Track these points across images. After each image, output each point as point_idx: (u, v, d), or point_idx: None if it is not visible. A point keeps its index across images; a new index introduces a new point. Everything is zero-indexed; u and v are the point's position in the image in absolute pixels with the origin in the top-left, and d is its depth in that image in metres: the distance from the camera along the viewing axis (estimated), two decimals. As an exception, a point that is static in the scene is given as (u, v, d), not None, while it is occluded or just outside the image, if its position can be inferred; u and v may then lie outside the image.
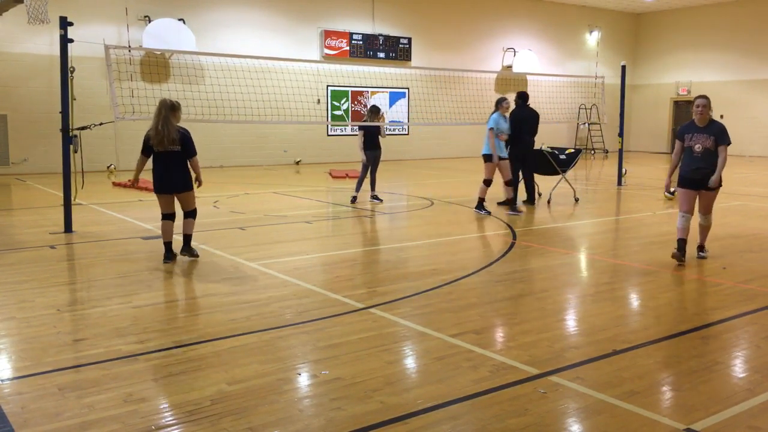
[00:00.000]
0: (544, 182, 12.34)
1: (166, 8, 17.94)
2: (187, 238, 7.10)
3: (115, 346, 4.51)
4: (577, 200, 11.94)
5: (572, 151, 12.19)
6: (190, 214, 7.14)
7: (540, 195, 12.32)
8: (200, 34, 18.23)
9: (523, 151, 11.31)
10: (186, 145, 6.87)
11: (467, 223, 9.92)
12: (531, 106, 11.71)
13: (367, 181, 11.89)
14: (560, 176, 12.01)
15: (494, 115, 10.53)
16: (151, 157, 6.97)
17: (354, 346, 4.53)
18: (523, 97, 11.74)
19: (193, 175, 7.07)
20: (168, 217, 7.03)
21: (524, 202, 11.61)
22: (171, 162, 6.86)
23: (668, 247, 8.06)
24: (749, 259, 7.39)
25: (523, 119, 11.34)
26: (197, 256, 7.09)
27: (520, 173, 11.62)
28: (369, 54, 21.22)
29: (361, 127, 11.80)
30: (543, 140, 16.12)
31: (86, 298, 5.92)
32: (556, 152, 11.95)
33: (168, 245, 7.01)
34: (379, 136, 11.72)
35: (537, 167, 11.85)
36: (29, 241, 8.25)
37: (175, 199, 7.05)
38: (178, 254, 7.08)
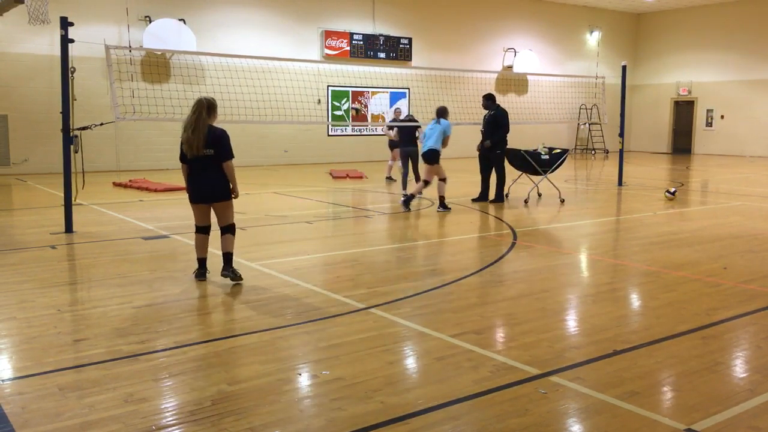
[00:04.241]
0: (528, 183, 12.35)
1: (167, 8, 17.95)
2: (227, 256, 6.21)
3: (116, 346, 4.51)
4: (562, 201, 11.93)
5: (558, 150, 12.14)
6: (228, 229, 6.30)
7: (540, 195, 12.36)
8: (201, 35, 18.24)
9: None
10: (219, 148, 6.05)
11: (467, 223, 9.92)
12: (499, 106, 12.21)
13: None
14: (541, 177, 12.04)
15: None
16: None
17: (354, 346, 4.53)
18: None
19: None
20: (202, 230, 6.33)
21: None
22: (205, 167, 6.08)
23: (669, 247, 8.07)
24: (750, 259, 7.39)
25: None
26: (241, 279, 6.19)
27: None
28: (369, 54, 21.23)
29: (396, 126, 12.87)
30: (543, 140, 16.14)
31: (87, 298, 5.93)
32: (539, 152, 11.93)
33: (202, 261, 6.33)
34: (417, 134, 12.40)
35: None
36: (30, 241, 8.25)
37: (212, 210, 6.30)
38: (209, 271, 6.38)
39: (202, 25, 18.49)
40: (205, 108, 6.03)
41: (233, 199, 6.35)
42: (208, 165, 6.08)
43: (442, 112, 10.89)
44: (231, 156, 6.16)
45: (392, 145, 14.87)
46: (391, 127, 14.81)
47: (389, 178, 15.26)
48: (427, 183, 10.89)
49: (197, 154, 6.01)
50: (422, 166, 11.15)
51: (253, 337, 4.73)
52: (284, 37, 19.95)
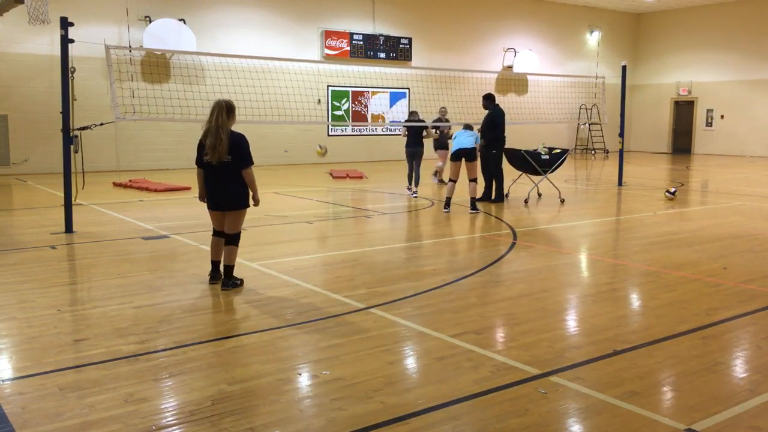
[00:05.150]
0: (528, 183, 12.35)
1: (167, 8, 17.95)
2: (228, 270, 6.03)
3: (116, 346, 4.51)
4: (562, 201, 11.94)
5: (558, 150, 12.14)
6: (233, 239, 6.08)
7: (540, 195, 12.37)
8: (201, 35, 18.24)
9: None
10: (237, 154, 5.87)
11: (467, 223, 9.92)
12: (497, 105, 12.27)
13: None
14: (541, 177, 12.04)
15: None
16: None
17: (354, 346, 4.53)
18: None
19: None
20: (219, 234, 6.16)
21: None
22: (222, 174, 5.91)
23: (669, 247, 8.07)
24: (750, 259, 7.39)
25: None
26: (241, 284, 6.11)
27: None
28: (369, 54, 21.23)
29: (405, 126, 13.22)
30: (543, 140, 16.14)
31: (87, 298, 5.93)
32: (539, 152, 11.93)
33: (215, 264, 6.19)
34: (424, 134, 12.93)
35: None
36: (30, 241, 8.25)
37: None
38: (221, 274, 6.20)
39: (202, 25, 18.49)
40: (225, 110, 5.83)
41: (256, 207, 6.28)
42: (225, 171, 5.88)
43: (471, 127, 11.01)
44: (250, 162, 5.97)
45: (437, 145, 14.53)
46: (435, 128, 14.18)
47: (441, 181, 14.73)
48: (475, 180, 10.78)
49: (221, 161, 5.82)
50: (451, 164, 10.91)
51: (253, 337, 4.73)
52: (284, 37, 19.94)
